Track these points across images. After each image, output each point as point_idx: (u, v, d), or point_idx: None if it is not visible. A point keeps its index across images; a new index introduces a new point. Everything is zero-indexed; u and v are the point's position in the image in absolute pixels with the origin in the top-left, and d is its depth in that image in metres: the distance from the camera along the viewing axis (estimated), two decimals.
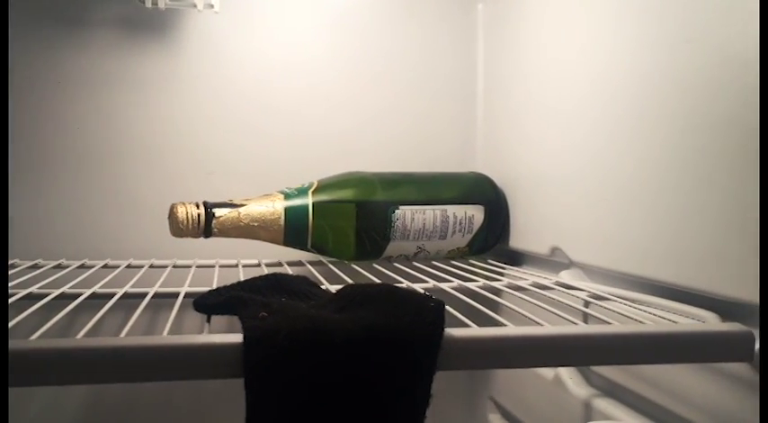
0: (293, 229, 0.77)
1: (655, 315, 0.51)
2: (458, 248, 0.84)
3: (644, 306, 0.55)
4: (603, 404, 0.64)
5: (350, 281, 0.65)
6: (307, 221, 0.77)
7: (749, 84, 0.47)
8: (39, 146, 0.88)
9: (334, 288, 0.57)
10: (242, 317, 0.42)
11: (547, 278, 0.71)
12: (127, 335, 0.42)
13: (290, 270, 0.76)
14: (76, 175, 0.89)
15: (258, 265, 0.82)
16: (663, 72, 0.56)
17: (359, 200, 0.79)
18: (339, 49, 0.96)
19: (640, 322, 0.48)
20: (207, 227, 0.74)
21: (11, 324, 0.47)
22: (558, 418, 0.72)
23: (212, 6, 0.86)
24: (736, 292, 0.48)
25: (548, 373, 0.73)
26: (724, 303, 0.50)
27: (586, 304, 0.61)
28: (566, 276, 0.71)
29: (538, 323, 0.47)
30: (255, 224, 0.75)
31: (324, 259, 0.83)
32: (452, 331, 0.42)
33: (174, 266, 0.80)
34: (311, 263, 0.82)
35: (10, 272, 0.74)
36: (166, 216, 0.74)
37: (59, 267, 0.79)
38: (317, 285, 0.57)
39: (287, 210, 0.77)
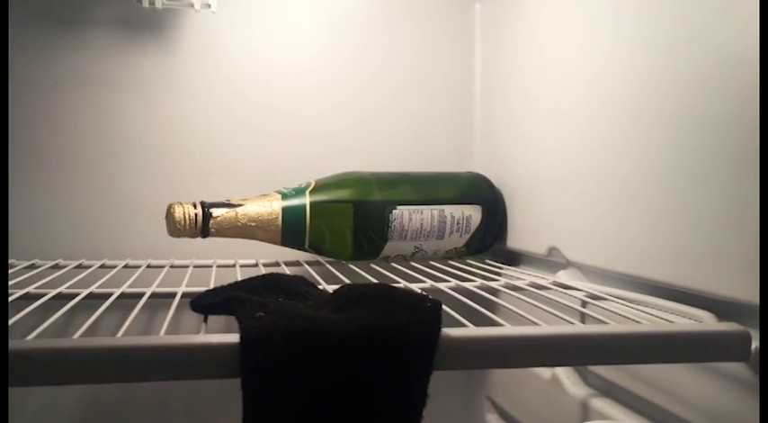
0: (290, 229, 0.77)
1: (651, 315, 0.51)
2: (455, 248, 0.84)
3: (641, 306, 0.55)
4: (601, 404, 0.64)
5: (347, 281, 0.65)
6: (304, 221, 0.77)
7: (746, 84, 0.47)
8: (36, 146, 0.88)
9: (331, 288, 0.57)
10: (239, 317, 0.42)
11: (544, 278, 0.71)
12: (124, 335, 0.42)
13: (287, 270, 0.76)
14: (74, 174, 0.89)
15: (255, 266, 0.82)
16: (660, 72, 0.56)
17: (356, 200, 0.79)
18: (337, 50, 0.96)
19: (637, 322, 0.48)
20: (204, 227, 0.74)
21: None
22: (555, 417, 0.72)
23: (209, 6, 0.86)
24: (733, 292, 0.48)
25: (545, 372, 0.73)
26: (721, 303, 0.50)
27: (583, 304, 0.61)
28: (563, 276, 0.71)
29: (535, 323, 0.47)
30: (253, 224, 0.75)
31: (321, 259, 0.83)
32: (449, 331, 0.42)
33: (172, 266, 0.80)
34: (309, 263, 0.82)
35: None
36: (164, 216, 0.74)
37: (56, 267, 0.79)
38: (314, 285, 0.57)
39: (284, 210, 0.77)
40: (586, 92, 0.68)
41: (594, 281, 0.68)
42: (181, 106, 0.91)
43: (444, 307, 0.45)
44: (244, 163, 0.93)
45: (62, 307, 0.55)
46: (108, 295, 0.62)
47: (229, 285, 0.55)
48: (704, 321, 0.49)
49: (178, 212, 0.73)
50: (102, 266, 0.80)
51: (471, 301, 0.56)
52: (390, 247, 0.81)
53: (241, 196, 0.77)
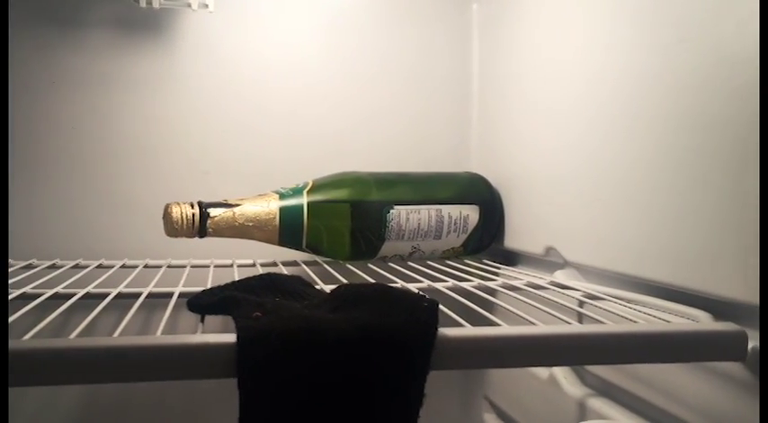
0: (288, 229, 0.77)
1: (648, 315, 0.51)
2: (453, 248, 0.84)
3: (638, 306, 0.55)
4: (598, 403, 0.64)
5: (345, 281, 0.65)
6: (302, 221, 0.77)
7: (744, 84, 0.47)
8: (33, 146, 0.87)
9: (328, 288, 0.57)
10: (236, 317, 0.42)
11: (541, 278, 0.71)
12: (121, 335, 0.42)
13: (285, 270, 0.76)
14: (71, 174, 0.89)
15: (253, 265, 0.82)
16: (658, 72, 0.56)
17: (354, 200, 0.79)
18: (334, 50, 0.96)
19: (634, 322, 0.48)
20: (201, 227, 0.73)
21: None
22: (552, 417, 0.72)
23: (207, 6, 0.86)
24: (731, 292, 0.48)
25: (542, 372, 0.73)
26: (718, 303, 0.50)
27: (581, 304, 0.62)
28: (560, 276, 0.71)
29: (532, 323, 0.47)
30: (250, 224, 0.75)
31: (319, 259, 0.83)
32: (446, 331, 0.42)
33: (169, 266, 0.80)
34: (306, 263, 0.82)
35: None
36: (161, 216, 0.74)
37: (54, 267, 0.79)
38: (311, 285, 0.57)
39: (282, 210, 0.77)
40: (584, 92, 0.68)
41: (592, 281, 0.68)
42: (178, 106, 0.91)
43: (441, 307, 0.45)
44: (241, 163, 0.93)
45: (59, 307, 0.55)
46: (105, 295, 0.62)
47: (226, 285, 0.55)
48: (701, 321, 0.49)
49: (175, 212, 0.73)
50: (100, 266, 0.80)
51: (469, 300, 0.56)
52: (388, 247, 0.81)
53: (238, 196, 0.77)
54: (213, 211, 0.74)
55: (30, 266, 0.79)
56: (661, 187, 0.56)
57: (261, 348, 0.39)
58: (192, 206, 0.74)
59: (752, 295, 0.46)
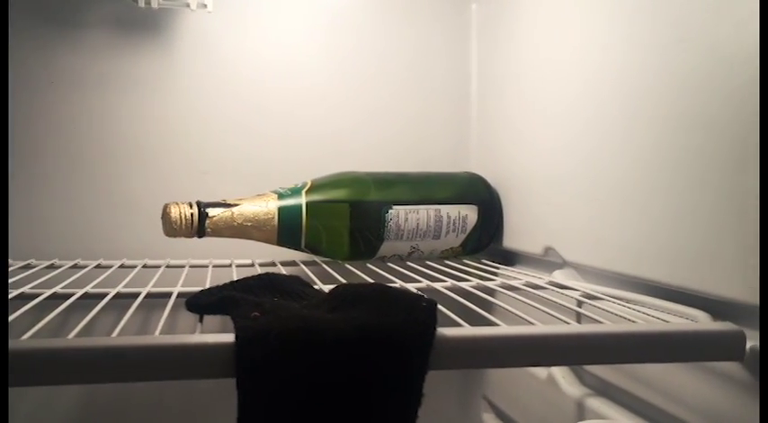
0: (287, 229, 0.77)
1: (647, 314, 0.51)
2: (451, 248, 0.84)
3: (636, 305, 0.55)
4: (596, 403, 0.64)
5: (344, 281, 0.65)
6: (300, 221, 0.77)
7: (742, 84, 0.47)
8: (31, 145, 0.87)
9: (327, 288, 0.57)
10: (234, 317, 0.42)
11: (540, 278, 0.71)
12: (119, 335, 0.42)
13: (283, 270, 0.76)
14: (69, 174, 0.89)
15: (252, 265, 0.82)
16: (656, 72, 0.56)
17: (352, 200, 0.79)
18: (333, 50, 0.96)
19: (632, 322, 0.48)
20: (200, 227, 0.73)
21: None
22: (551, 417, 0.72)
23: (205, 6, 0.86)
24: (729, 292, 0.48)
25: (541, 372, 0.74)
26: (716, 303, 0.50)
27: (579, 304, 0.62)
28: (559, 276, 0.71)
29: (530, 323, 0.47)
30: (249, 224, 0.75)
31: (318, 259, 0.83)
32: (444, 331, 0.42)
33: (168, 266, 0.80)
34: (305, 263, 0.82)
35: None
36: (160, 216, 0.74)
37: (52, 267, 0.79)
38: (309, 285, 0.57)
39: (280, 209, 0.77)
40: (582, 92, 0.68)
41: (590, 280, 0.68)
42: (177, 106, 0.91)
43: (440, 307, 0.45)
44: (240, 163, 0.93)
45: (57, 307, 0.54)
46: (104, 295, 0.62)
47: (225, 285, 0.55)
48: (699, 321, 0.49)
49: (174, 212, 0.73)
50: (98, 266, 0.80)
51: (467, 300, 0.56)
52: (387, 247, 0.81)
53: (237, 196, 0.77)
54: (212, 211, 0.74)
55: (28, 266, 0.79)
56: (659, 187, 0.56)
57: (259, 348, 0.39)
58: (191, 206, 0.74)
59: (750, 295, 0.46)
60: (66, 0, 0.88)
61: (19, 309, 0.53)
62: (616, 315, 0.52)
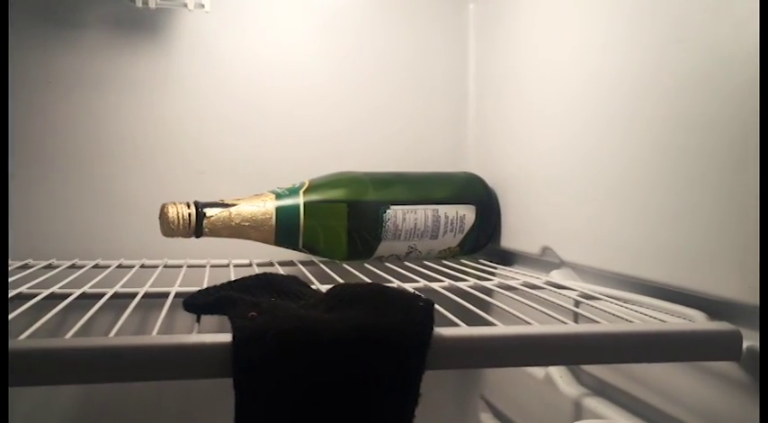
0: (284, 229, 0.77)
1: (644, 314, 0.52)
2: (449, 248, 0.84)
3: (634, 305, 0.55)
4: (594, 403, 0.64)
5: (341, 281, 0.65)
6: (298, 221, 0.77)
7: (740, 84, 0.47)
8: (29, 145, 0.87)
9: (324, 288, 0.57)
10: (231, 317, 0.42)
11: (538, 278, 0.71)
12: (116, 335, 0.42)
13: (281, 270, 0.76)
14: (67, 174, 0.88)
15: (249, 265, 0.82)
16: (654, 72, 0.56)
17: (350, 200, 0.80)
18: (331, 50, 0.96)
19: (629, 321, 0.48)
20: (198, 227, 0.73)
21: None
22: (548, 416, 0.72)
23: (203, 6, 0.86)
24: (727, 292, 0.48)
25: (538, 372, 0.74)
26: (714, 303, 0.50)
27: (576, 304, 0.61)
28: (556, 276, 0.71)
29: (528, 322, 0.47)
30: (246, 224, 0.75)
31: (315, 259, 0.83)
32: (441, 330, 0.42)
33: (165, 266, 0.80)
34: (303, 263, 0.82)
35: None
36: (157, 216, 0.74)
37: (50, 267, 0.79)
38: (307, 285, 0.57)
39: (278, 209, 0.77)
40: (581, 92, 0.68)
41: (588, 280, 0.68)
42: (174, 106, 0.91)
43: (437, 307, 0.45)
44: (237, 163, 0.93)
45: (55, 307, 0.54)
46: (101, 295, 0.62)
47: (222, 285, 0.55)
48: (696, 321, 0.50)
49: (172, 212, 0.73)
50: (96, 266, 0.80)
51: (465, 300, 0.56)
52: (384, 247, 0.81)
53: (235, 196, 0.77)
54: (209, 211, 0.74)
55: (26, 266, 0.79)
56: (657, 187, 0.56)
57: (256, 348, 0.39)
58: (189, 206, 0.74)
59: (748, 295, 0.46)
60: (63, 0, 0.88)
61: (17, 309, 0.53)
62: (613, 315, 0.52)
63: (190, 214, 0.73)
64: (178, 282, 0.69)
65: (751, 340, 0.45)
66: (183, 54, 0.92)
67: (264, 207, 0.76)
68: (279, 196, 0.78)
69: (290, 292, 0.52)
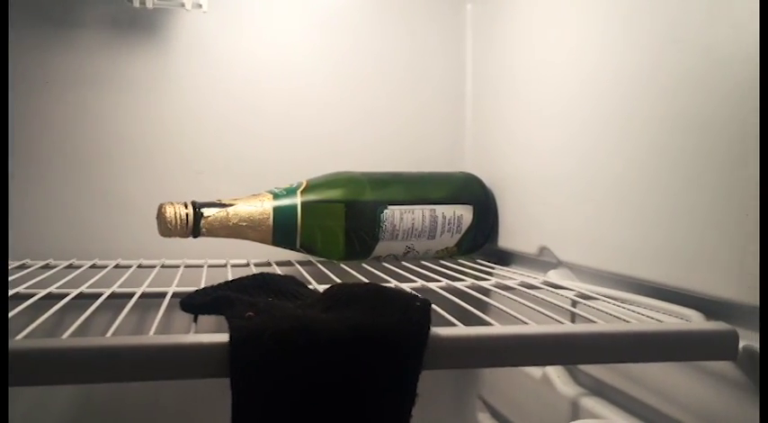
0: (282, 229, 0.77)
1: (641, 314, 0.52)
2: (447, 248, 0.84)
3: (631, 305, 0.55)
4: (591, 403, 0.64)
5: (339, 281, 0.65)
6: (295, 221, 0.77)
7: (738, 84, 0.47)
8: (26, 146, 0.87)
9: (322, 288, 0.57)
10: (228, 317, 0.42)
11: (535, 278, 0.71)
12: (114, 335, 0.42)
13: (279, 270, 0.76)
14: (64, 174, 0.88)
15: (247, 265, 0.82)
16: (652, 73, 0.56)
17: (348, 200, 0.80)
18: (328, 50, 0.96)
19: (626, 321, 0.48)
20: (195, 227, 0.73)
21: None
22: (546, 416, 0.72)
23: (200, 6, 0.86)
24: (724, 292, 0.48)
25: (536, 371, 0.74)
26: (711, 303, 0.50)
27: (574, 304, 0.62)
28: (553, 276, 0.71)
29: (525, 322, 0.47)
30: (244, 224, 0.75)
31: (313, 259, 0.83)
32: (438, 330, 0.42)
33: (163, 266, 0.80)
34: (300, 263, 0.82)
35: None
36: (155, 216, 0.74)
37: (47, 267, 0.79)
38: (304, 285, 0.57)
39: (275, 209, 0.77)
40: (578, 92, 0.68)
41: (585, 280, 0.68)
42: (172, 106, 0.91)
43: (435, 307, 0.45)
44: (235, 163, 0.93)
45: (52, 307, 0.54)
46: (98, 295, 0.62)
47: (219, 285, 0.55)
48: (693, 321, 0.50)
49: (169, 212, 0.73)
50: (93, 266, 0.80)
51: (462, 300, 0.56)
52: (382, 247, 0.81)
53: (232, 196, 0.77)
54: (207, 211, 0.74)
55: (23, 266, 0.79)
56: (655, 188, 0.56)
57: (253, 348, 0.39)
58: (186, 206, 0.74)
59: (744, 295, 0.46)
60: (60, 0, 0.88)
61: (14, 308, 0.53)
62: (610, 315, 0.52)
63: (187, 214, 0.73)
64: (175, 282, 0.68)
65: (747, 340, 0.45)
66: (181, 54, 0.92)
67: (262, 207, 0.76)
68: (276, 196, 0.78)
69: (287, 291, 0.52)
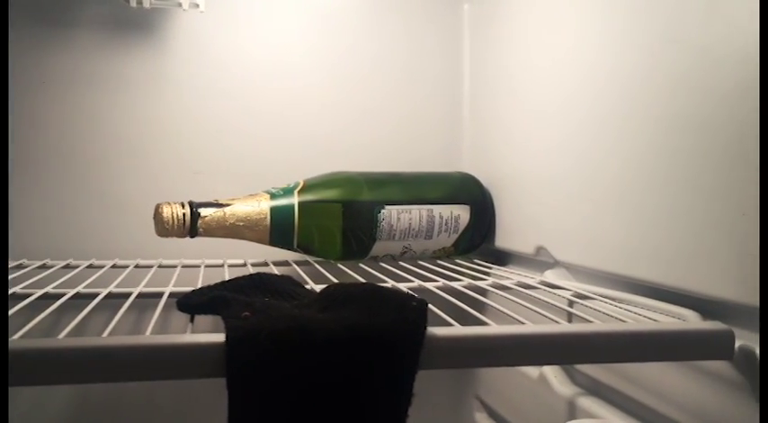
0: (279, 229, 0.77)
1: (637, 314, 0.52)
2: (444, 248, 0.84)
3: (627, 305, 0.55)
4: (587, 402, 0.64)
5: (336, 281, 0.65)
6: (292, 221, 0.77)
7: (735, 84, 0.47)
8: (22, 146, 0.87)
9: (319, 288, 0.57)
10: (224, 317, 0.42)
11: (532, 277, 0.71)
12: (110, 335, 0.42)
13: (276, 270, 0.76)
14: (61, 174, 0.88)
15: (244, 265, 0.82)
16: (649, 73, 0.57)
17: (345, 199, 0.80)
18: (326, 50, 0.96)
19: (622, 321, 0.48)
20: (192, 227, 0.73)
21: None
22: (543, 416, 0.72)
23: (198, 6, 0.86)
24: (719, 292, 0.48)
25: (533, 371, 0.74)
26: (707, 302, 0.50)
27: (570, 303, 0.62)
28: (550, 276, 0.71)
29: (521, 322, 0.47)
30: (241, 224, 0.75)
31: (310, 259, 0.83)
32: (435, 330, 0.42)
33: (160, 266, 0.80)
34: (297, 263, 0.82)
35: None
36: (152, 216, 0.74)
37: (44, 267, 0.79)
38: (300, 285, 0.57)
39: (272, 209, 0.77)
40: (575, 92, 0.68)
41: (582, 280, 0.68)
42: (169, 106, 0.91)
43: (431, 307, 0.45)
44: (232, 163, 0.92)
45: (49, 307, 0.54)
46: (95, 295, 0.62)
47: (216, 285, 0.55)
48: (689, 320, 0.50)
49: (166, 212, 0.73)
50: (90, 266, 0.80)
51: (459, 300, 0.56)
52: (379, 247, 0.81)
53: (229, 196, 0.77)
54: (204, 211, 0.74)
55: (20, 266, 0.79)
56: (651, 187, 0.56)
57: (249, 348, 0.39)
58: (183, 206, 0.74)
59: (741, 295, 0.46)
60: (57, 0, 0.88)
61: (11, 309, 0.53)
62: (607, 315, 0.52)
63: (184, 214, 0.73)
64: (172, 282, 0.69)
65: (743, 340, 0.45)
66: (178, 54, 0.91)
67: (259, 207, 0.76)
68: (273, 196, 0.78)
69: (283, 291, 0.52)
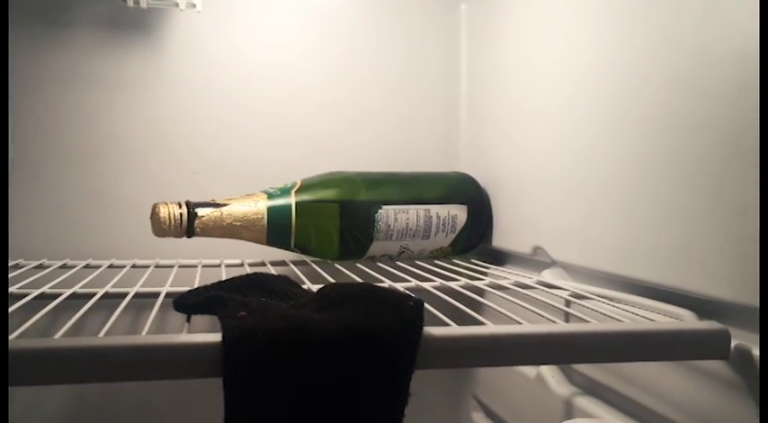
0: (276, 229, 0.77)
1: (634, 314, 0.52)
2: (441, 248, 0.84)
3: (624, 305, 0.55)
4: (585, 402, 0.64)
5: (333, 281, 0.65)
6: (290, 221, 0.77)
7: (731, 85, 0.47)
8: (20, 146, 0.87)
9: (316, 288, 0.57)
10: (221, 316, 0.42)
11: (529, 277, 0.72)
12: (107, 335, 0.42)
13: (273, 270, 0.76)
14: (58, 174, 0.88)
15: (241, 265, 0.82)
16: (645, 73, 0.57)
17: (342, 199, 0.80)
18: (323, 50, 0.96)
19: (619, 321, 0.48)
20: (189, 226, 0.73)
21: None
22: (540, 415, 0.72)
23: (194, 6, 0.86)
24: (716, 291, 0.49)
25: (530, 371, 0.74)
26: (704, 302, 0.50)
27: (567, 303, 0.62)
28: (547, 276, 0.71)
29: (518, 322, 0.47)
30: (238, 224, 0.75)
31: (307, 259, 0.83)
32: (431, 330, 0.42)
33: (157, 266, 0.80)
34: (295, 263, 0.82)
35: None
36: (149, 216, 0.74)
37: (41, 267, 0.79)
38: (297, 285, 0.57)
39: (270, 209, 0.77)
40: (572, 92, 0.68)
41: (579, 280, 0.68)
42: (166, 106, 0.91)
43: (428, 306, 0.45)
44: (230, 163, 0.92)
45: (45, 307, 0.54)
46: (92, 295, 0.62)
47: (212, 285, 0.55)
48: (685, 320, 0.50)
49: (163, 212, 0.73)
50: (87, 266, 0.80)
51: (456, 300, 0.56)
52: (376, 247, 0.81)
53: (226, 196, 0.77)
54: (201, 211, 0.74)
55: (17, 266, 0.79)
56: (648, 187, 0.56)
57: (246, 348, 0.39)
58: (180, 206, 0.73)
59: (737, 294, 0.46)
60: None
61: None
62: (604, 314, 0.52)
63: (181, 214, 0.73)
64: (169, 282, 0.68)
65: (739, 339, 0.45)
66: (175, 54, 0.91)
67: (256, 207, 0.76)
68: (270, 196, 0.78)
69: (280, 291, 0.52)
